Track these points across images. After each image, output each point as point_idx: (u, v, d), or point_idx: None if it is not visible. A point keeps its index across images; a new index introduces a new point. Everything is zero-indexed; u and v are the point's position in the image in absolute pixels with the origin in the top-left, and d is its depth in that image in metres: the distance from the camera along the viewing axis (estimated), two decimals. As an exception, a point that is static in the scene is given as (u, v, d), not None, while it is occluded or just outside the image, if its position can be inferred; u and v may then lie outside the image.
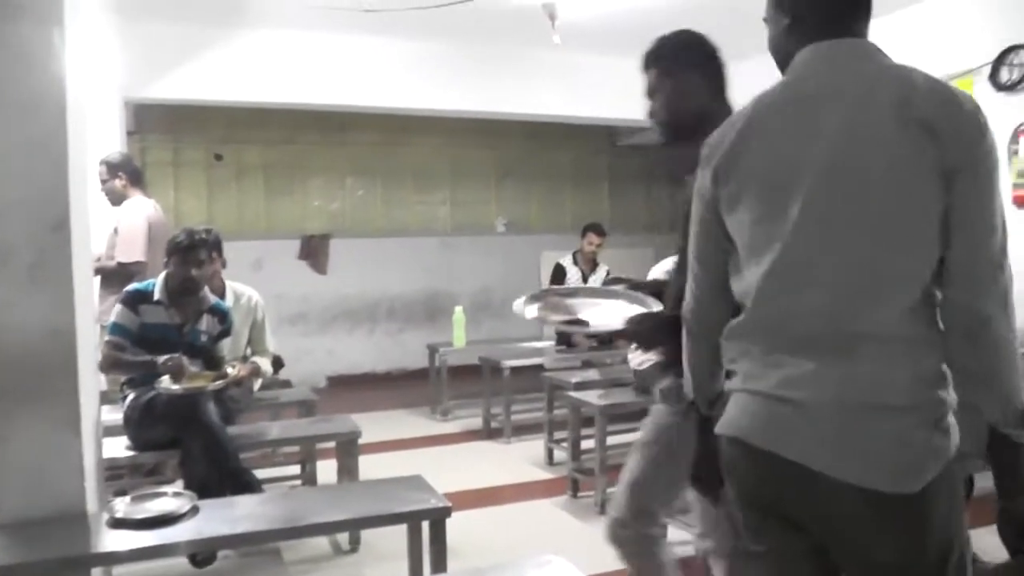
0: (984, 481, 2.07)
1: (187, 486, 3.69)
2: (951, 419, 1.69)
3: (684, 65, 2.54)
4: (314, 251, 9.60)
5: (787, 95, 1.85)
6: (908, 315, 1.68)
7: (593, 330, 2.33)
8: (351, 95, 7.15)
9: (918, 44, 6.71)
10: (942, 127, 1.64)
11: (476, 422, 7.15)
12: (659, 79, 2.56)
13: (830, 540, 1.76)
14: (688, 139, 2.34)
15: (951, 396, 1.69)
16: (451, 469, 5.80)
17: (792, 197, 1.72)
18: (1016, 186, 5.95)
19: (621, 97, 7.95)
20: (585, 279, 7.52)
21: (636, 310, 2.48)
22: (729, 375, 1.91)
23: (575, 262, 7.66)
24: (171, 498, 3.08)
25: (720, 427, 1.88)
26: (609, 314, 2.50)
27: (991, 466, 1.70)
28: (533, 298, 2.73)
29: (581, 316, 2.54)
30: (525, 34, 6.79)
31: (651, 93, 2.58)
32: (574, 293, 2.77)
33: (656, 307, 2.54)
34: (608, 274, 7.59)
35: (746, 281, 1.82)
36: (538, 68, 7.53)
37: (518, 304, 2.65)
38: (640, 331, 2.18)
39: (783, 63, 1.96)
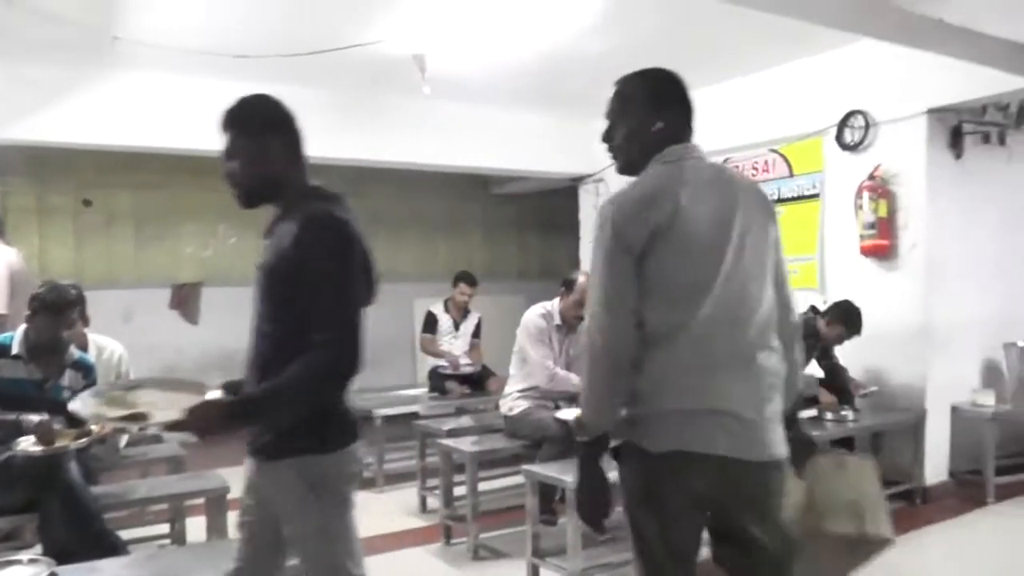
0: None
1: (46, 552, 3.55)
2: None
3: (261, 129, 2.57)
4: (185, 299, 9.34)
5: (707, 177, 2.37)
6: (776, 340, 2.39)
7: (153, 423, 2.34)
8: (222, 141, 6.97)
9: (772, 106, 7.11)
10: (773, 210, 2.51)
11: (350, 472, 7.05)
12: (235, 142, 2.58)
13: (744, 511, 2.31)
14: (265, 203, 2.59)
15: None
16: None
17: (723, 254, 2.28)
18: (862, 237, 6.33)
19: (494, 146, 8.19)
20: (456, 327, 7.59)
21: (195, 400, 2.35)
22: (639, 401, 2.29)
23: (446, 310, 7.71)
24: (25, 566, 2.95)
25: (658, 445, 2.26)
26: (170, 405, 2.39)
27: None
28: (96, 393, 2.62)
29: (140, 409, 2.40)
30: (397, 83, 6.87)
31: (228, 155, 2.59)
32: (137, 385, 2.65)
33: (215, 394, 2.47)
34: (479, 322, 7.69)
35: (677, 318, 2.24)
36: (410, 117, 7.59)
37: (75, 403, 2.53)
38: (199, 420, 2.25)
39: (643, 155, 2.42)
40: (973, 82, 5.68)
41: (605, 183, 8.66)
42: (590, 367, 2.32)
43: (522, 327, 5.43)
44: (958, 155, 6.33)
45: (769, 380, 2.32)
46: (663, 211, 2.25)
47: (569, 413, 4.90)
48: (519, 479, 4.90)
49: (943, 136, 6.26)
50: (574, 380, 5.18)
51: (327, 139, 7.31)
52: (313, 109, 7.12)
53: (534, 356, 5.31)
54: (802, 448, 2.46)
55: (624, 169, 2.54)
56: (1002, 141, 6.62)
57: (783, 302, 2.44)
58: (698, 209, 2.27)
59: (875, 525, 2.52)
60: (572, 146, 8.75)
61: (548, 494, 4.85)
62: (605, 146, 2.55)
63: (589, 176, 8.87)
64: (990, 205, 6.79)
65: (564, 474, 4.27)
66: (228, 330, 9.41)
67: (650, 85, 2.47)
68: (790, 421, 2.43)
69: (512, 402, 5.41)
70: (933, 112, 6.12)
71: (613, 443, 2.42)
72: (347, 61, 6.26)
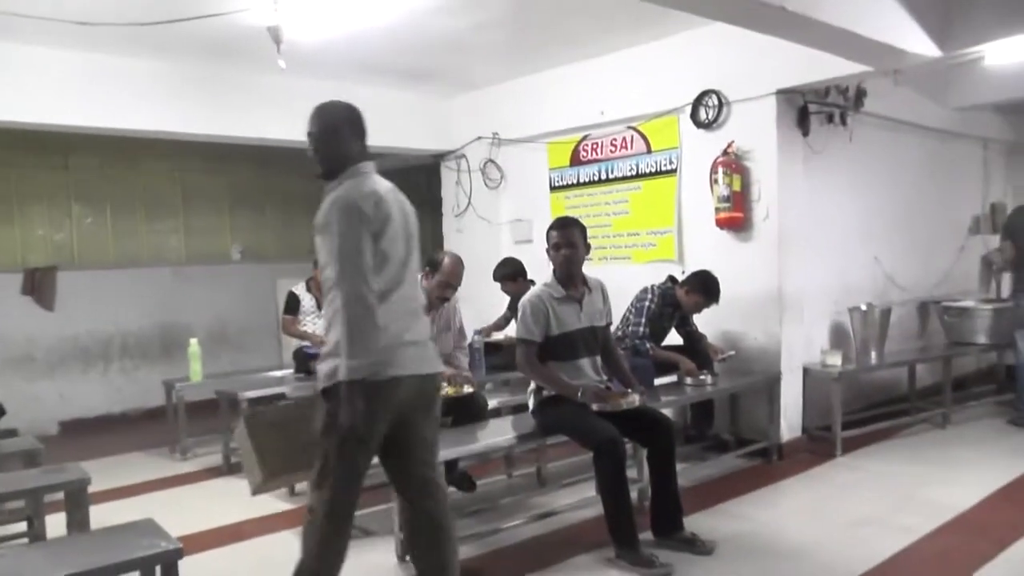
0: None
1: None
2: None
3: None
4: (39, 285, 8.75)
5: (388, 187, 3.35)
6: None
7: None
8: (70, 114, 6.49)
9: (630, 85, 7.21)
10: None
11: (216, 459, 6.88)
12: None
13: (421, 413, 3.35)
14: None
15: None
16: (191, 510, 5.59)
17: (405, 243, 3.30)
18: (718, 210, 6.50)
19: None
20: (320, 307, 7.48)
21: None
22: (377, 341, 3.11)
23: (309, 289, 7.58)
24: None
25: (399, 371, 3.18)
26: None
27: None
28: None
29: None
30: (252, 58, 6.67)
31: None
32: None
33: None
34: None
35: (389, 278, 3.20)
36: (266, 92, 7.38)
37: None
38: None
39: (340, 164, 3.33)
40: (816, 66, 5.87)
41: (467, 159, 8.65)
42: (349, 320, 3.03)
43: None
44: (805, 133, 6.58)
45: (424, 322, 3.48)
46: (384, 207, 3.19)
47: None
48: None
49: (791, 115, 6.47)
50: None
51: (182, 114, 7.06)
52: (166, 82, 6.94)
53: None
54: None
55: (326, 175, 3.34)
56: (843, 121, 6.95)
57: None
58: (393, 208, 3.25)
59: None
60: (433, 122, 8.70)
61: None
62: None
63: (451, 152, 8.84)
64: (835, 180, 7.12)
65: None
66: (82, 316, 9.00)
67: (350, 115, 3.40)
68: None
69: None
70: (782, 93, 6.31)
71: (324, 385, 3.15)
72: (201, 33, 6.00)
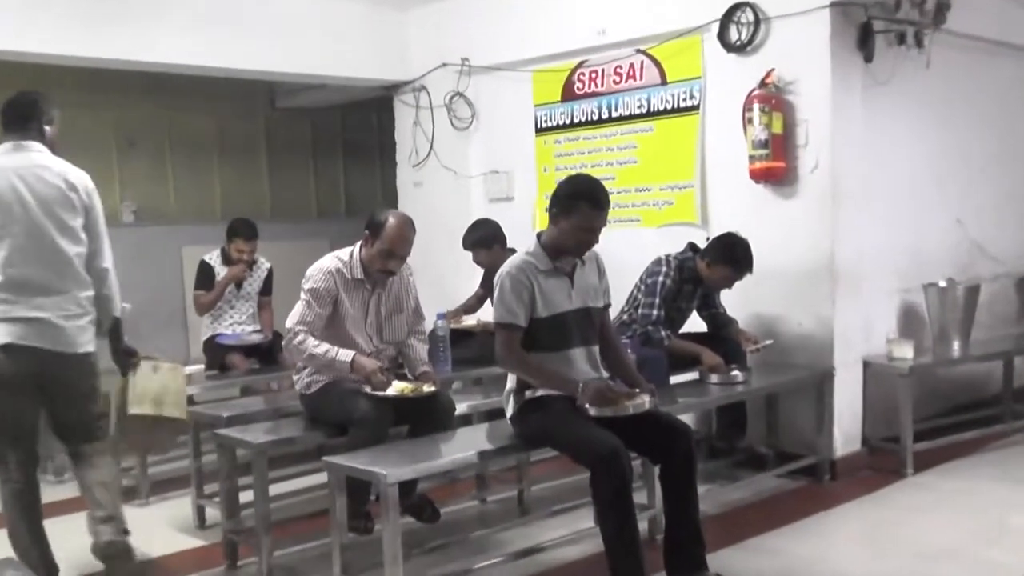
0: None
1: None
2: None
3: None
4: None
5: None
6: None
7: None
8: None
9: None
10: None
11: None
12: None
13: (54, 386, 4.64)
14: None
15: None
16: (68, 544, 5.57)
17: (16, 222, 4.46)
18: (753, 158, 6.49)
19: (278, 42, 7.99)
20: (240, 282, 7.47)
21: None
22: None
23: (225, 260, 7.55)
24: None
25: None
26: None
27: None
28: None
29: None
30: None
31: None
32: None
33: None
34: (270, 274, 7.59)
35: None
36: (166, 3, 7.32)
37: None
38: None
39: None
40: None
41: (428, 92, 8.63)
42: None
43: (304, 280, 5.35)
44: (868, 58, 6.57)
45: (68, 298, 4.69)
46: None
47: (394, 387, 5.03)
48: (323, 477, 4.87)
49: (850, 34, 6.47)
50: (312, 349, 5.14)
51: (46, 29, 6.85)
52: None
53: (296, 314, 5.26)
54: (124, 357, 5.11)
55: None
56: (919, 42, 6.87)
57: None
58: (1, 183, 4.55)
59: (171, 409, 5.19)
60: (383, 42, 8.66)
61: (359, 494, 4.84)
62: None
63: (407, 83, 8.84)
64: (905, 119, 7.14)
65: (378, 464, 4.29)
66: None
67: None
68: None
69: (308, 377, 5.35)
70: (837, 5, 6.30)
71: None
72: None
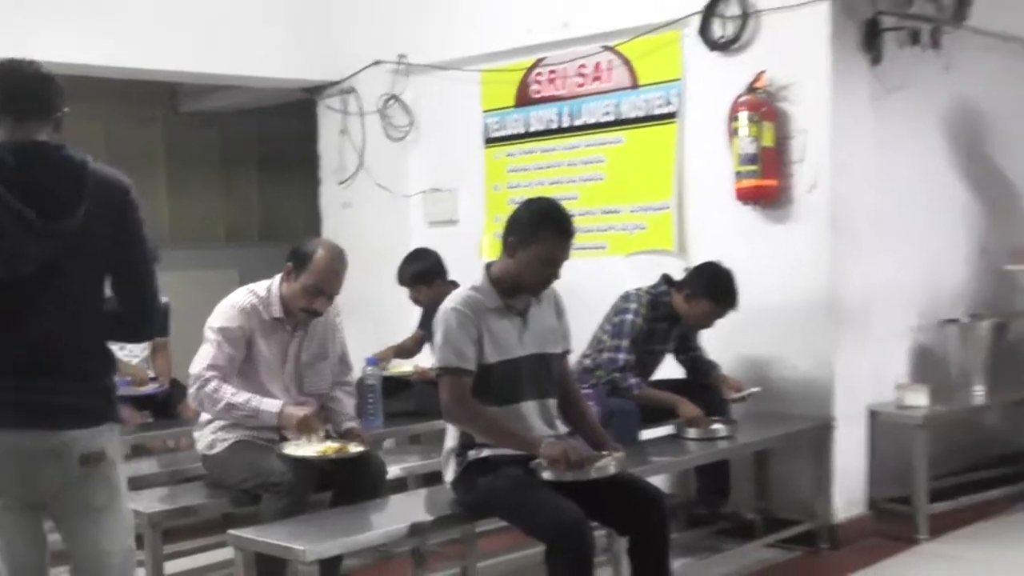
0: None
1: None
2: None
3: None
4: None
5: None
6: None
7: None
8: None
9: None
10: None
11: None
12: None
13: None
14: None
15: None
16: None
17: None
18: (739, 175, 6.56)
19: (181, 36, 7.98)
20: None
21: None
22: None
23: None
24: None
25: None
26: None
27: None
28: None
29: None
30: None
31: None
32: None
33: None
34: (167, 310, 7.56)
35: None
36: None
37: None
38: None
39: None
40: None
41: (358, 95, 8.66)
42: None
43: (212, 318, 5.36)
44: (875, 60, 6.67)
45: None
46: None
47: (302, 448, 5.00)
48: (229, 552, 4.88)
49: (854, 33, 6.57)
50: (230, 397, 5.15)
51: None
52: None
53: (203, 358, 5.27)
54: None
55: None
56: (935, 43, 6.92)
57: None
58: None
59: None
60: (305, 36, 8.65)
61: (273, 572, 4.84)
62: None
63: (332, 84, 8.90)
64: (920, 130, 7.24)
65: (295, 539, 4.29)
66: None
67: None
68: None
69: (212, 434, 5.33)
70: (839, -1, 6.42)
71: None
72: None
